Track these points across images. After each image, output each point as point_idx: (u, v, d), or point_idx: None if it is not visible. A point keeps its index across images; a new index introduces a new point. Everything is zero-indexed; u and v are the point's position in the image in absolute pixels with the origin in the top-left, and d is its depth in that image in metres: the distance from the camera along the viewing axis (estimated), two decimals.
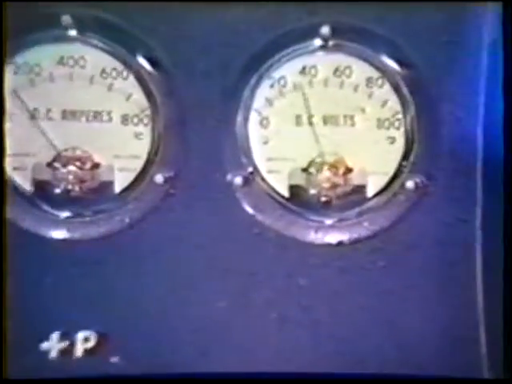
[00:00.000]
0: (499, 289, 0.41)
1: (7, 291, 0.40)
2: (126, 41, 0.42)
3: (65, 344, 0.42)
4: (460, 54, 0.42)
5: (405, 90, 0.42)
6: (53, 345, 0.42)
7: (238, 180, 0.43)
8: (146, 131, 0.43)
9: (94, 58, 0.42)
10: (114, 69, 0.42)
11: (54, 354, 0.42)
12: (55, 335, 0.42)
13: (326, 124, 0.43)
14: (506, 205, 0.38)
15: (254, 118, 0.43)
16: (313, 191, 0.44)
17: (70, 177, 0.43)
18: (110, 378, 0.42)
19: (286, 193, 0.44)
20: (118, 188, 0.43)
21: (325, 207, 0.44)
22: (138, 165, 0.43)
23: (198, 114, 0.43)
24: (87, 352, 0.42)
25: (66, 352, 0.42)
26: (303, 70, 0.42)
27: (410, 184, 0.43)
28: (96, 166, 0.43)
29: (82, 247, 0.44)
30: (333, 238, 0.44)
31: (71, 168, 0.43)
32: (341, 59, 0.42)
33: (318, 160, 0.43)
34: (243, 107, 0.43)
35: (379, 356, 0.43)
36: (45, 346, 0.42)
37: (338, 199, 0.44)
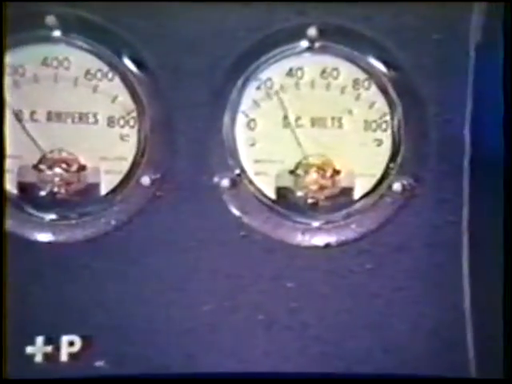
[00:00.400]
0: (486, 290, 0.42)
1: (6, 291, 0.39)
2: (111, 42, 0.42)
3: (50, 348, 0.41)
4: (447, 55, 0.42)
5: (392, 92, 0.42)
6: (38, 349, 0.41)
7: (225, 182, 0.43)
8: (132, 133, 0.43)
9: (79, 59, 0.41)
10: (99, 70, 0.42)
11: (38, 358, 0.41)
12: (40, 339, 0.42)
13: (313, 126, 0.43)
14: (506, 206, 0.38)
15: (241, 119, 0.43)
16: (300, 193, 0.44)
17: (56, 179, 0.43)
18: (110, 378, 0.42)
19: (273, 195, 0.43)
20: (104, 190, 0.43)
21: (312, 209, 0.44)
22: (125, 167, 0.43)
23: (185, 116, 0.43)
24: (72, 356, 0.42)
25: (51, 356, 0.42)
26: (290, 72, 0.42)
27: (397, 186, 0.43)
28: (82, 168, 0.43)
29: (68, 250, 0.43)
30: (320, 240, 0.43)
31: (57, 170, 0.43)
32: (328, 61, 0.42)
33: (306, 162, 0.43)
34: (230, 109, 0.43)
35: (366, 358, 0.43)
36: (30, 350, 0.41)
37: (326, 201, 0.44)
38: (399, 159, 0.43)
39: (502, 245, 0.39)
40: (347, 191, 0.43)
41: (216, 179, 0.43)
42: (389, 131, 0.43)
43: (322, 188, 0.43)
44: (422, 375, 0.42)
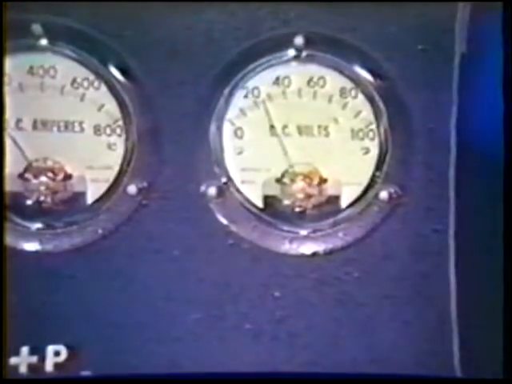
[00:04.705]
0: (472, 298, 0.42)
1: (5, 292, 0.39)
2: (98, 50, 0.42)
3: (35, 358, 0.41)
4: (432, 64, 0.42)
5: (378, 101, 0.43)
6: (22, 359, 0.41)
7: (212, 190, 0.43)
8: (119, 142, 0.43)
9: (65, 67, 0.41)
10: (86, 79, 0.42)
11: (23, 368, 0.41)
12: (25, 349, 0.41)
13: (300, 134, 0.43)
14: (506, 208, 0.38)
15: (227, 128, 0.43)
16: (287, 202, 0.44)
17: (42, 188, 0.42)
18: (111, 379, 0.41)
19: (260, 203, 0.43)
20: (90, 199, 0.43)
21: (299, 218, 0.44)
22: (111, 175, 0.43)
23: (172, 125, 0.42)
24: (58, 366, 0.41)
25: (36, 366, 0.41)
26: (277, 81, 0.42)
27: (383, 194, 0.43)
28: (68, 176, 0.43)
29: (54, 259, 0.43)
30: (307, 248, 0.43)
31: (43, 179, 0.42)
32: (314, 70, 0.42)
33: (292, 170, 0.43)
34: (217, 117, 0.43)
35: (354, 366, 0.43)
36: (14, 360, 0.41)
37: (313, 210, 0.44)
38: (385, 168, 0.43)
39: (489, 252, 0.39)
40: (334, 200, 0.43)
41: (203, 188, 0.43)
42: (376, 140, 0.43)
43: (308, 196, 0.43)
44: (423, 375, 0.42)
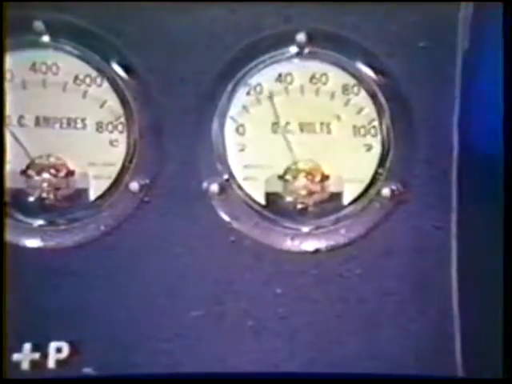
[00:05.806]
0: (474, 294, 0.42)
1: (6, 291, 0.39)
2: (100, 47, 0.42)
3: (37, 355, 0.41)
4: (435, 61, 0.42)
5: (381, 98, 0.43)
6: (25, 356, 0.41)
7: (214, 187, 0.43)
8: (121, 138, 0.43)
9: (67, 64, 0.41)
10: (88, 75, 0.42)
11: (25, 365, 0.41)
12: (27, 346, 0.41)
13: (302, 131, 0.43)
14: (506, 207, 0.38)
15: (229, 125, 0.43)
16: (289, 198, 0.44)
17: (45, 184, 0.42)
18: (112, 378, 0.42)
19: (262, 200, 0.43)
20: (92, 196, 0.43)
21: (301, 214, 0.44)
22: (113, 172, 0.43)
23: (174, 121, 0.43)
24: (60, 363, 0.41)
25: (38, 363, 0.41)
26: (279, 78, 0.42)
27: (385, 191, 0.43)
28: (70, 173, 0.43)
29: (57, 256, 0.43)
30: (309, 245, 0.44)
31: (45, 175, 0.42)
32: (316, 66, 0.42)
33: (295, 167, 0.43)
34: (219, 114, 0.43)
35: (355, 363, 0.43)
36: (16, 357, 0.41)
37: (315, 206, 0.44)
38: (388, 164, 0.43)
39: (490, 250, 0.39)
40: (336, 196, 0.43)
41: (205, 185, 0.43)
42: (378, 136, 0.43)
43: (310, 193, 0.43)
44: (425, 375, 0.42)
